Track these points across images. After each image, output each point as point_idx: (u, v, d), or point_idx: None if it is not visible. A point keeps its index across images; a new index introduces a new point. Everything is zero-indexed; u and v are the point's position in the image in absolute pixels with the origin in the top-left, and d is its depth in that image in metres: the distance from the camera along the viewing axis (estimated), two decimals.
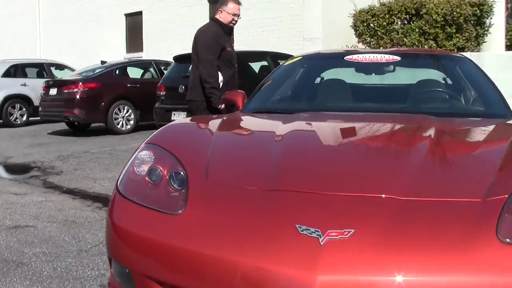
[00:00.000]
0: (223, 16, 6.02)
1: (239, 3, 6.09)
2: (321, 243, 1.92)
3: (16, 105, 16.08)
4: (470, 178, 2.38)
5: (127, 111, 13.10)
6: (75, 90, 12.64)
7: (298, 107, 4.02)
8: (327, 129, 3.24)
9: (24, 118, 16.19)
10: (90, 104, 12.67)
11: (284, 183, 2.33)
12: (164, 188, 2.55)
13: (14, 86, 16.15)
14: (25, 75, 16.76)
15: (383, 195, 2.15)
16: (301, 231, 1.99)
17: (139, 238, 2.36)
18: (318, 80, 4.71)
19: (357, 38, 12.78)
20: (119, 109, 12.98)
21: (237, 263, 1.98)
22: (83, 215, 5.47)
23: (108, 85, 12.98)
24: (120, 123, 13.01)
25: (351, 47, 12.59)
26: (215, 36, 5.89)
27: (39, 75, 16.88)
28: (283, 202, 2.20)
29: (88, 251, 4.27)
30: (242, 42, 15.71)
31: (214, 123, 3.27)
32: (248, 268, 1.96)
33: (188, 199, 2.37)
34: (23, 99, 16.19)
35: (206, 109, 5.89)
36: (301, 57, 4.78)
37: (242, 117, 3.76)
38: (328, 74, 4.70)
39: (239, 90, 4.60)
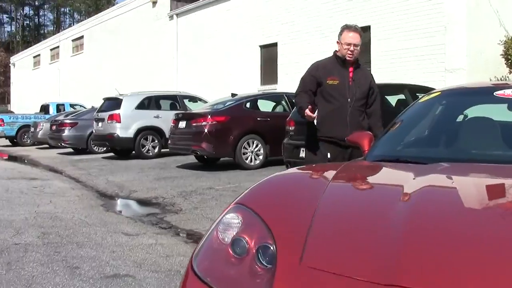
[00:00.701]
0: (339, 48, 5.47)
1: (355, 30, 5.39)
2: None
3: (148, 137, 16.17)
4: None
5: (256, 146, 12.63)
6: (204, 123, 12.35)
7: (434, 155, 3.21)
8: (471, 189, 2.42)
9: (156, 150, 16.23)
10: (218, 138, 12.31)
11: (407, 274, 1.61)
12: (248, 266, 1.96)
13: (147, 118, 16.25)
14: (158, 107, 16.90)
15: None
16: None
17: None
18: (459, 118, 3.86)
19: (508, 69, 11.62)
20: (248, 144, 12.54)
21: None
22: None
23: (238, 119, 12.59)
24: (249, 158, 12.55)
25: (500, 79, 11.47)
26: (312, 69, 5.52)
27: (172, 107, 16.91)
28: None
29: None
30: (378, 73, 14.95)
31: (327, 176, 2.60)
32: None
33: None
34: (156, 131, 16.25)
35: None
36: (439, 93, 3.99)
37: (363, 168, 3.03)
38: (472, 112, 3.86)
39: (365, 131, 3.92)
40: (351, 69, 5.43)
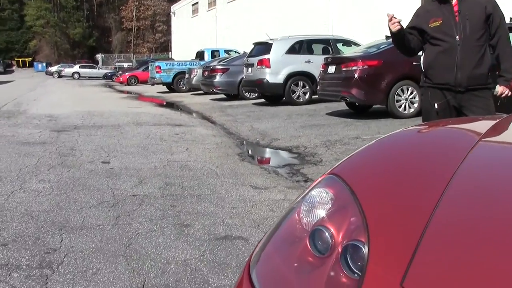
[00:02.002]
0: None
1: None
2: None
3: (299, 82, 15.48)
4: None
5: (411, 93, 11.49)
6: (354, 68, 11.41)
7: None
8: None
9: (307, 96, 15.51)
10: (369, 83, 11.31)
11: None
12: (329, 273, 1.23)
13: (298, 63, 15.53)
14: (310, 52, 16.11)
15: None
16: None
17: None
18: None
19: None
20: (402, 90, 11.43)
21: None
22: None
23: (391, 63, 11.44)
24: (403, 105, 11.47)
25: None
26: (412, 20, 4.71)
27: (325, 52, 16.03)
28: None
29: None
30: None
31: (470, 137, 1.69)
32: None
33: None
34: (306, 77, 15.49)
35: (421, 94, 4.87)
36: None
37: None
38: None
39: None
40: (455, 1, 4.35)
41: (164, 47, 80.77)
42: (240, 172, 6.47)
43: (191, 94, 23.33)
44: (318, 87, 13.03)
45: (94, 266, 3.34)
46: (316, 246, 1.30)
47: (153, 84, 27.75)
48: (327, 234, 1.29)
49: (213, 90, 19.26)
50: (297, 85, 15.53)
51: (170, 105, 18.91)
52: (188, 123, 12.46)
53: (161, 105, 19.18)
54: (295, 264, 1.31)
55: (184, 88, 24.97)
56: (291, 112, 13.27)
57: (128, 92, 28.45)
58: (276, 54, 15.62)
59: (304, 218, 1.42)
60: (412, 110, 11.41)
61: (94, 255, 3.55)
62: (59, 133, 10.07)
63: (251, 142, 9.25)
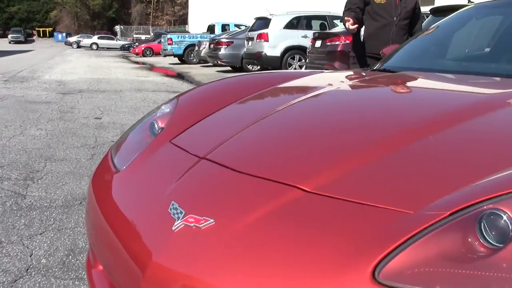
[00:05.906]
0: None
1: None
2: (173, 228, 1.46)
3: (295, 56, 16.49)
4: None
5: None
6: (337, 42, 12.38)
7: (421, 66, 3.12)
8: (380, 95, 2.51)
9: (303, 69, 16.47)
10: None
11: (219, 151, 1.87)
12: (154, 142, 2.27)
13: (295, 37, 16.59)
14: (308, 27, 17.07)
15: (294, 184, 1.48)
16: (169, 209, 1.55)
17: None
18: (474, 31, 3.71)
19: None
20: None
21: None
22: None
23: None
24: None
25: None
26: None
27: (322, 28, 17.00)
28: (192, 173, 1.78)
29: None
30: None
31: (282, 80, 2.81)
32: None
33: (138, 156, 2.10)
34: (303, 51, 16.44)
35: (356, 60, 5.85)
36: (474, 4, 3.86)
37: (332, 74, 3.14)
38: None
39: (396, 45, 3.94)
40: None
41: (183, 20, 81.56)
42: None
43: (200, 66, 24.27)
44: (307, 60, 14.04)
45: (65, 181, 4.46)
46: (153, 130, 2.39)
47: (165, 56, 28.74)
48: (156, 126, 2.38)
49: (218, 62, 20.23)
50: (293, 58, 16.53)
51: (177, 75, 19.93)
52: (185, 90, 13.45)
53: (168, 75, 20.19)
54: (140, 142, 2.40)
55: (194, 60, 25.96)
56: None
57: (142, 63, 29.47)
58: (274, 29, 16.65)
59: (157, 119, 2.52)
60: None
61: (67, 175, 4.67)
62: (64, 95, 11.19)
63: None
